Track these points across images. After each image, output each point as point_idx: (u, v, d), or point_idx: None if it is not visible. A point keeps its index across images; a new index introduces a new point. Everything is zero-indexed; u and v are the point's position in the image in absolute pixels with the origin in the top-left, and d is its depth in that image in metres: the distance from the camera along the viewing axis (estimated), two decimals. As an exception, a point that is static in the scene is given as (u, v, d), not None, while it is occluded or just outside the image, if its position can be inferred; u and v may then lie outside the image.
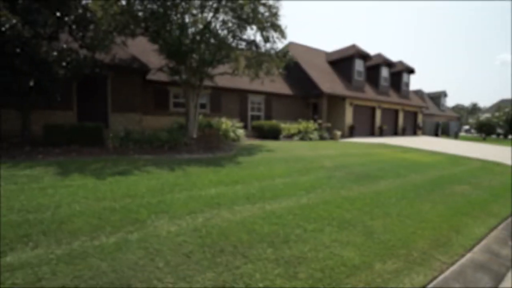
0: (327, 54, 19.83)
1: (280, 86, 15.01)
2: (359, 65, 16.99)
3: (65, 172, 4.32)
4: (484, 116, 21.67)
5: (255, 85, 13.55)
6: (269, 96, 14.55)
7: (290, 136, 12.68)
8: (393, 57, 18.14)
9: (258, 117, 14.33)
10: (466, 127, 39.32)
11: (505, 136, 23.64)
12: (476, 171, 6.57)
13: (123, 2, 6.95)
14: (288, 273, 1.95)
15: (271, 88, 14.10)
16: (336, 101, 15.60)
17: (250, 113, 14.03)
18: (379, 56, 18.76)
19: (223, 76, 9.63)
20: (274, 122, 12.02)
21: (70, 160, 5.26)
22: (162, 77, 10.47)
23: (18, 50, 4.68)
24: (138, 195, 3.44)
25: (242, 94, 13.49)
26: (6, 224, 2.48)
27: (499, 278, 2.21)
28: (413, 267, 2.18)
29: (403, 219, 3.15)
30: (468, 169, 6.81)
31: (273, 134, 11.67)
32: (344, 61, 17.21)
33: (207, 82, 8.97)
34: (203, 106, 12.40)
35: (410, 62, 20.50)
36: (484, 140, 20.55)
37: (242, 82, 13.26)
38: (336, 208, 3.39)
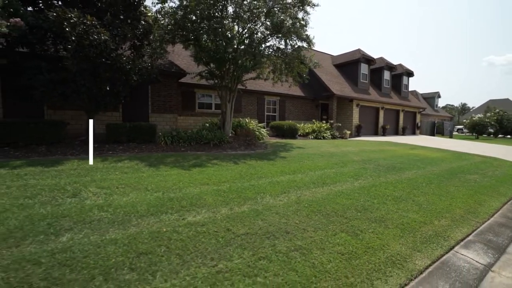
0: (332, 57, 20.91)
1: (292, 88, 15.95)
2: (364, 69, 18.13)
3: (151, 165, 5.14)
4: (477, 116, 23.26)
5: (271, 87, 14.49)
6: (283, 98, 15.49)
7: (305, 135, 13.66)
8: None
9: (273, 118, 15.24)
10: (458, 126, 41.17)
11: (495, 135, 25.36)
12: (479, 164, 7.67)
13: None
14: (381, 225, 2.89)
15: (285, 90, 15.04)
16: (344, 102, 16.68)
17: (266, 113, 14.93)
18: (381, 59, 19.95)
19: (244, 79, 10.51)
20: (291, 122, 12.96)
21: (141, 155, 6.04)
22: (190, 79, 11.27)
23: (103, 60, 5.44)
24: (229, 181, 4.31)
25: (259, 95, 14.38)
26: (158, 199, 3.33)
27: (516, 231, 3.20)
28: (458, 224, 3.16)
29: (438, 197, 4.14)
30: (472, 163, 7.91)
31: (291, 133, 12.62)
32: (350, 65, 18.32)
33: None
34: (224, 107, 13.21)
35: (399, 63, 21.76)
36: (477, 139, 22.07)
37: (260, 84, 14.15)
38: (384, 189, 4.36)
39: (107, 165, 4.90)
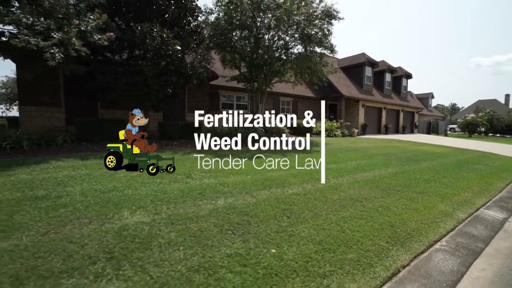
0: (338, 60, 22.12)
1: (304, 90, 17.06)
2: (368, 71, 19.42)
3: (218, 156, 6.10)
4: (470, 116, 25.06)
5: (285, 89, 15.54)
6: (296, 98, 16.58)
7: (317, 133, 14.78)
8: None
9: (286, 117, 16.29)
10: (450, 126, 43.17)
11: (486, 133, 27.22)
12: (479, 157, 8.94)
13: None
14: (425, 195, 3.98)
15: (298, 91, 16.12)
16: (351, 103, 17.90)
17: (280, 113, 15.99)
18: (383, 62, 21.30)
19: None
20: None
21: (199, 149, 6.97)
22: (215, 81, 12.19)
23: (172, 67, 6.34)
24: (292, 168, 5.33)
25: (275, 96, 15.42)
26: (255, 180, 4.33)
27: (518, 201, 4.36)
28: (478, 195, 4.28)
29: (456, 179, 5.27)
30: (473, 156, 9.18)
31: (306, 131, 13.70)
32: (355, 68, 19.56)
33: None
34: (244, 107, 14.20)
35: (392, 64, 23.22)
36: (470, 137, 23.76)
37: (276, 86, 15.14)
38: (413, 174, 5.47)
39: (183, 157, 5.85)
